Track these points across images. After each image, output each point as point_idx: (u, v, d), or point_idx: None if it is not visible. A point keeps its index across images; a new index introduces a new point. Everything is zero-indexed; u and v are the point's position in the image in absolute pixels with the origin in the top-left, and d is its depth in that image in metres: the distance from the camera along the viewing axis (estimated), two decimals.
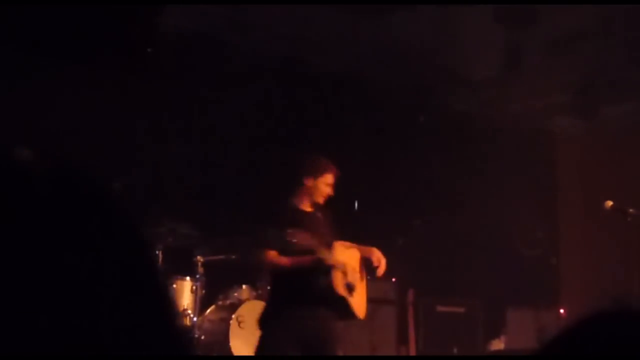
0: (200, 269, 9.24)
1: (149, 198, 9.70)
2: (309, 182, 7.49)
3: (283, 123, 11.13)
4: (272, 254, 7.19)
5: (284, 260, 7.15)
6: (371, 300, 10.51)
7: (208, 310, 9.36)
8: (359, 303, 7.68)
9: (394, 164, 11.82)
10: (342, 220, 11.36)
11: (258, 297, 9.47)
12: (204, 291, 9.27)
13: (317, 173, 7.51)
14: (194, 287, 9.19)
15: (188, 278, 9.24)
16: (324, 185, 7.51)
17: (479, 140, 11.92)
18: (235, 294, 9.52)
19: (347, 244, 7.69)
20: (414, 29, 10.23)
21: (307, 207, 7.54)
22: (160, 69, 9.81)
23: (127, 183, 8.38)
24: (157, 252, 9.11)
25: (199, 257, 9.28)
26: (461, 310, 11.24)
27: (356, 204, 11.70)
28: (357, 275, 7.74)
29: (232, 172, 10.69)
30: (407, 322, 10.99)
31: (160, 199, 9.91)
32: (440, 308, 11.19)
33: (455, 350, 10.95)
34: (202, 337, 9.04)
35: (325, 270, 7.21)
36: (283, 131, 11.13)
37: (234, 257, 9.47)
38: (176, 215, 9.32)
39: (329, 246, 7.35)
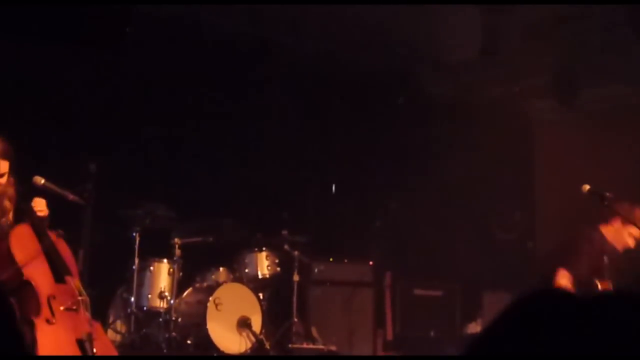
0: (178, 251, 9.23)
1: (126, 180, 9.66)
2: None
3: (259, 105, 11.09)
4: None
5: None
6: (349, 283, 10.58)
7: (185, 293, 9.35)
8: None
9: (371, 147, 11.81)
10: (321, 204, 11.44)
11: (235, 280, 9.47)
12: (181, 273, 9.27)
13: None
14: (172, 270, 9.18)
15: (165, 260, 9.24)
16: None
17: (457, 123, 11.92)
18: (213, 277, 9.53)
19: None
20: (392, 11, 10.20)
21: None
22: (139, 49, 9.75)
23: (105, 164, 8.35)
24: (134, 233, 9.10)
25: (176, 240, 9.27)
26: (438, 293, 11.26)
27: (334, 187, 11.70)
28: None
29: (209, 154, 10.66)
30: (384, 305, 11.02)
31: (138, 181, 9.88)
32: (418, 291, 11.21)
33: (432, 334, 10.98)
34: (179, 320, 9.03)
35: None
36: (259, 114, 11.10)
37: (211, 239, 9.46)
38: (154, 197, 9.30)
39: None
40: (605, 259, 7.85)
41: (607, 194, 8.03)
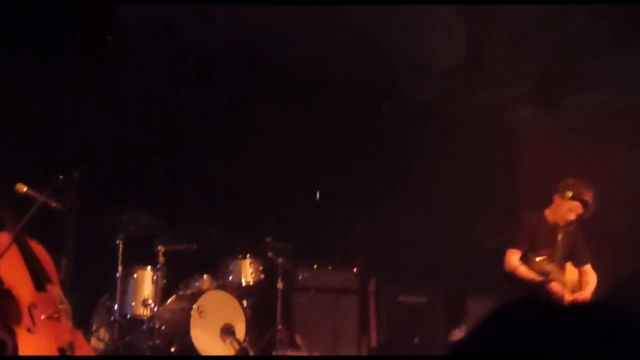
0: (161, 259, 9.21)
1: (110, 187, 9.63)
2: None
3: (243, 113, 11.08)
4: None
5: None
6: (333, 290, 10.58)
7: (169, 300, 9.33)
8: None
9: (356, 154, 11.82)
10: (305, 211, 11.43)
11: (219, 287, 9.45)
12: (165, 281, 9.25)
13: None
14: (155, 277, 9.16)
15: (149, 267, 9.22)
16: None
17: (441, 130, 11.93)
18: (197, 284, 9.50)
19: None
20: (376, 19, 10.21)
21: None
22: (120, 57, 9.73)
23: (88, 172, 8.32)
24: (118, 241, 9.07)
25: (160, 247, 9.25)
26: (422, 300, 11.25)
27: (318, 194, 11.70)
28: None
29: (193, 161, 10.64)
30: (368, 311, 11.01)
31: (122, 188, 9.85)
32: (402, 298, 11.20)
33: (416, 340, 10.97)
34: (163, 327, 9.01)
35: None
36: (243, 122, 11.09)
37: (195, 246, 9.44)
38: (137, 204, 9.27)
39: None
40: (559, 236, 7.96)
41: (589, 199, 8.08)
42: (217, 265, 9.79)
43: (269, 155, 11.09)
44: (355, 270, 10.80)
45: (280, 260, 9.89)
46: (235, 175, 10.76)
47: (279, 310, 9.82)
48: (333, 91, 11.55)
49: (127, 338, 9.02)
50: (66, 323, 5.99)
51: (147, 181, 10.13)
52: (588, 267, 8.24)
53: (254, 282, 9.73)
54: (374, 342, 11.01)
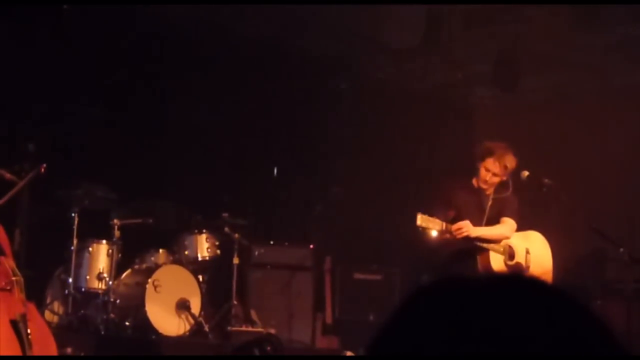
0: (117, 233, 9.17)
1: (65, 159, 9.56)
2: None
3: (201, 87, 11.02)
4: None
5: None
6: (289, 267, 10.59)
7: (124, 274, 9.30)
8: None
9: (314, 131, 11.82)
10: (262, 187, 11.43)
11: (175, 262, 9.44)
12: (120, 255, 9.22)
13: None
14: (110, 251, 9.12)
15: (104, 241, 9.18)
16: None
17: (399, 109, 11.96)
18: (152, 258, 9.48)
19: None
20: None
21: None
22: (77, 26, 9.63)
23: (43, 144, 8.26)
24: (73, 214, 9.02)
25: (115, 220, 9.21)
26: (378, 277, 11.30)
27: (275, 170, 11.70)
28: None
29: (150, 135, 10.57)
30: (323, 288, 11.04)
31: (77, 161, 9.79)
32: (358, 275, 11.24)
33: (371, 318, 11.01)
34: (118, 301, 8.98)
35: None
36: (201, 95, 11.03)
37: (150, 220, 9.41)
38: (93, 177, 9.22)
39: None
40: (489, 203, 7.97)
41: (546, 180, 8.13)
42: (173, 239, 9.77)
43: (227, 131, 11.05)
44: (311, 247, 10.81)
45: (236, 235, 9.89)
46: (192, 150, 10.72)
47: (234, 286, 9.82)
48: (293, 68, 11.53)
49: (82, 311, 8.98)
50: (19, 295, 5.95)
51: (103, 154, 10.05)
52: (504, 219, 8.09)
53: (210, 257, 9.71)
54: (329, 319, 11.05)
